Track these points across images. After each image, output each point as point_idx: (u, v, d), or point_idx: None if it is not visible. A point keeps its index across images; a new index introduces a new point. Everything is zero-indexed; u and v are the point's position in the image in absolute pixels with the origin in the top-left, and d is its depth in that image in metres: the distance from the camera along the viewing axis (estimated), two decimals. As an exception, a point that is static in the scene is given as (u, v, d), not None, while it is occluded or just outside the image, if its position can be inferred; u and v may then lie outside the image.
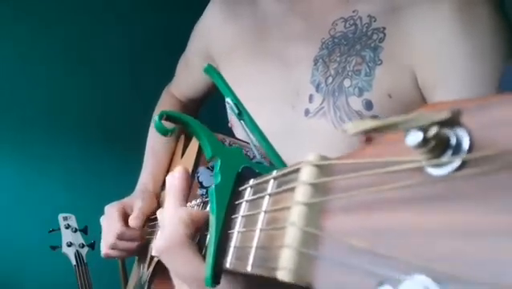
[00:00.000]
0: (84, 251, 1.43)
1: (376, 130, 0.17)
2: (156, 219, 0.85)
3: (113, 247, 0.93)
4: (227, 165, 0.40)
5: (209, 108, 1.17)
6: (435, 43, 0.64)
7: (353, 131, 0.18)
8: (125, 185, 1.07)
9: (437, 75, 0.64)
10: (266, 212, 0.31)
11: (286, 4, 0.82)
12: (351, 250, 0.21)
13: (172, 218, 0.42)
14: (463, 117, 0.17)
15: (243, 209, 0.36)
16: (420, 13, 0.65)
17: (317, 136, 0.71)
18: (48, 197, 2.02)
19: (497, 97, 0.16)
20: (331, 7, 0.75)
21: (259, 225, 0.32)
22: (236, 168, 0.40)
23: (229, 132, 0.82)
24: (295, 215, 0.25)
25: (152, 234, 0.90)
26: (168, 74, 1.16)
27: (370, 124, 0.17)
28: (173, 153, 1.07)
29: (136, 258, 1.06)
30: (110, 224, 0.92)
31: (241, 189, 0.39)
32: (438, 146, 0.17)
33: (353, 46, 0.70)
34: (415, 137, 0.17)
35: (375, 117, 0.67)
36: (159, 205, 0.98)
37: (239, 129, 0.81)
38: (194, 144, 0.85)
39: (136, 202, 0.95)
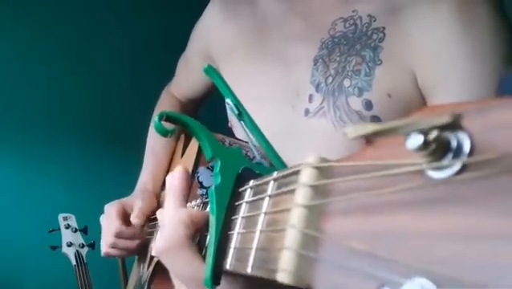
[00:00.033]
0: (84, 251, 1.43)
1: (376, 134, 0.17)
2: (156, 219, 0.84)
3: (113, 246, 0.93)
4: (227, 166, 0.40)
5: (209, 108, 1.17)
6: (435, 43, 0.64)
7: (353, 135, 0.18)
8: (125, 185, 1.07)
9: (437, 75, 0.64)
10: (266, 213, 0.31)
11: (285, 4, 0.82)
12: (350, 252, 0.21)
13: (172, 219, 0.42)
14: (464, 120, 0.17)
15: (243, 210, 0.36)
16: (419, 13, 0.65)
17: (317, 135, 0.71)
18: (48, 197, 2.02)
19: (497, 100, 0.16)
20: (330, 7, 0.75)
21: (259, 226, 0.32)
22: (236, 169, 0.40)
23: (229, 133, 0.82)
24: (295, 217, 0.25)
25: (152, 234, 0.90)
26: (168, 74, 1.16)
27: (370, 128, 0.17)
28: (173, 153, 1.07)
29: (136, 257, 1.06)
30: (109, 223, 0.93)
31: (241, 190, 0.39)
32: (439, 149, 0.17)
33: (353, 46, 0.70)
34: (415, 140, 0.17)
35: (374, 117, 0.67)
36: (159, 204, 0.98)
37: (239, 129, 0.81)
38: (194, 144, 0.85)
39: (136, 202, 0.95)
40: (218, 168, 0.40)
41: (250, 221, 0.34)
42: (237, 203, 0.38)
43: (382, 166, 0.20)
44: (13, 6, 2.07)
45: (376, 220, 0.20)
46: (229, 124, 0.88)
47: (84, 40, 2.23)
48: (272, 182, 0.32)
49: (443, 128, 0.16)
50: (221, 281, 0.37)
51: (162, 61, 1.50)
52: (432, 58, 0.64)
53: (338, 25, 0.73)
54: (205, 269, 0.38)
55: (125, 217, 0.93)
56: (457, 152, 0.17)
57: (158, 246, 0.42)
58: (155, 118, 0.41)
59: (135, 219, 0.92)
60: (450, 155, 0.17)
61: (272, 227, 0.29)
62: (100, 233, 0.96)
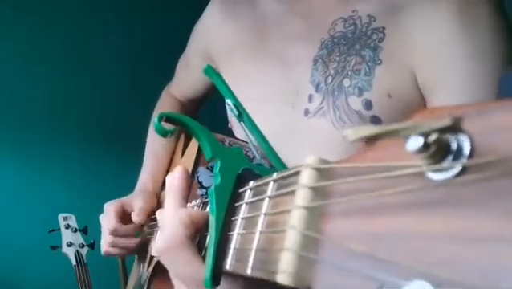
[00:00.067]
0: (84, 251, 1.42)
1: (376, 137, 0.17)
2: (155, 219, 0.85)
3: (112, 245, 0.93)
4: (227, 167, 0.40)
5: (209, 109, 1.17)
6: (435, 43, 0.64)
7: (353, 137, 0.17)
8: (125, 185, 1.07)
9: (437, 75, 0.64)
10: (265, 214, 0.31)
11: (285, 4, 0.82)
12: (350, 254, 0.21)
13: (172, 219, 0.42)
14: (464, 123, 0.17)
15: (243, 211, 0.36)
16: (419, 13, 0.65)
17: (317, 135, 0.71)
18: (48, 197, 2.02)
19: (497, 103, 0.16)
20: (330, 7, 0.75)
21: (259, 227, 0.31)
22: (236, 169, 0.40)
23: (229, 133, 0.82)
24: (295, 218, 0.25)
25: (152, 233, 0.90)
26: (168, 74, 1.16)
27: (370, 130, 0.17)
28: (173, 153, 1.07)
29: (136, 257, 1.06)
30: (107, 221, 0.93)
31: (241, 190, 0.39)
32: (439, 151, 0.17)
33: (352, 46, 0.70)
34: (415, 142, 0.17)
35: (374, 117, 0.67)
36: (159, 204, 0.98)
37: (239, 130, 0.81)
38: (194, 144, 0.85)
39: (136, 201, 0.95)
40: (218, 169, 0.40)
41: (250, 222, 0.34)
42: (236, 204, 0.38)
43: (382, 168, 0.20)
44: (13, 6, 2.07)
45: (376, 222, 0.20)
46: (229, 125, 0.88)
47: (84, 40, 2.23)
48: (272, 183, 0.32)
49: (443, 130, 0.16)
50: (220, 281, 0.37)
51: (162, 61, 1.50)
52: (432, 58, 0.64)
53: (338, 25, 0.73)
54: (204, 269, 0.38)
55: (124, 216, 0.94)
56: (457, 154, 0.17)
57: (158, 246, 0.42)
58: (154, 119, 0.41)
59: (136, 217, 0.92)
60: (450, 157, 0.17)
61: (272, 228, 0.29)
62: (100, 233, 0.96)
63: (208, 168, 0.78)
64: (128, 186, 1.04)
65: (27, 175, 2.04)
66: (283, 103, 0.76)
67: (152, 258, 0.88)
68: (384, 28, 0.68)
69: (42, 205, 1.96)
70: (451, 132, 0.17)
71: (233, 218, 0.38)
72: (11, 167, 2.02)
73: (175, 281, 0.46)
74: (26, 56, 2.08)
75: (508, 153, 0.15)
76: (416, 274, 0.17)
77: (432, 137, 0.16)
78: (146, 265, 0.92)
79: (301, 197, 0.25)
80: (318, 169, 0.25)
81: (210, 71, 0.48)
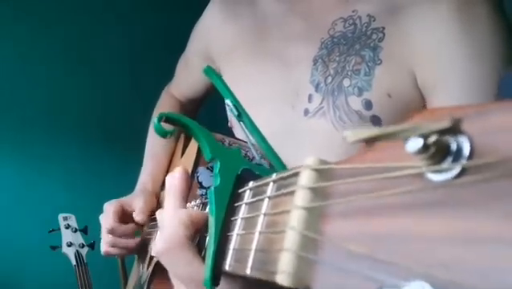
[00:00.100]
0: (84, 251, 1.42)
1: (376, 138, 0.17)
2: (155, 219, 0.85)
3: (112, 245, 0.93)
4: (226, 167, 0.40)
5: (209, 108, 1.17)
6: (434, 43, 0.64)
7: (352, 139, 0.17)
8: (125, 185, 1.07)
9: (437, 75, 0.64)
10: (265, 215, 0.31)
11: (285, 4, 0.82)
12: (350, 254, 0.21)
13: (172, 219, 0.42)
14: (463, 124, 0.17)
15: (242, 211, 0.36)
16: (419, 13, 0.65)
17: (316, 135, 0.71)
18: (48, 197, 2.02)
19: (497, 104, 0.16)
20: (330, 7, 0.75)
21: (258, 228, 0.31)
22: (235, 170, 0.40)
23: (229, 133, 0.82)
24: (295, 219, 0.25)
25: (152, 234, 0.90)
26: (168, 74, 1.16)
27: (369, 132, 0.17)
28: (173, 153, 1.07)
29: (136, 257, 1.06)
30: (105, 221, 0.93)
31: (240, 191, 0.39)
32: (438, 152, 0.17)
33: (352, 46, 0.70)
34: (415, 143, 0.17)
35: (374, 117, 0.67)
36: (158, 205, 0.98)
37: (239, 130, 0.81)
38: (194, 144, 0.85)
39: (136, 201, 0.95)
40: (218, 169, 0.40)
41: (250, 223, 0.34)
42: (236, 204, 0.38)
43: (382, 169, 0.20)
44: (13, 6, 2.07)
45: (376, 222, 0.20)
46: (229, 124, 0.88)
47: (84, 40, 2.23)
48: (271, 184, 0.32)
49: (442, 132, 0.16)
50: (220, 282, 0.37)
51: (162, 61, 1.50)
52: (431, 58, 0.64)
53: (337, 25, 0.73)
54: (204, 269, 0.38)
55: (123, 216, 0.94)
56: (457, 155, 0.17)
57: (158, 247, 0.42)
58: (154, 119, 0.41)
59: (137, 217, 0.92)
60: (450, 158, 0.17)
61: (271, 229, 0.29)
62: (100, 233, 0.96)
63: (208, 168, 0.78)
64: (127, 186, 1.04)
65: (27, 175, 2.04)
66: (283, 103, 0.76)
67: (151, 258, 0.88)
68: (383, 28, 0.68)
69: (42, 205, 1.96)
70: (450, 133, 0.17)
71: (232, 219, 0.38)
72: (11, 167, 2.02)
73: (174, 281, 0.46)
74: (26, 56, 2.08)
75: (507, 154, 0.15)
76: (416, 275, 0.17)
77: (432, 138, 0.16)
78: (146, 265, 0.92)
79: (300, 198, 0.25)
80: (317, 170, 0.25)
81: (210, 71, 0.48)
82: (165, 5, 2.42)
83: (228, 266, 0.36)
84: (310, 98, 0.72)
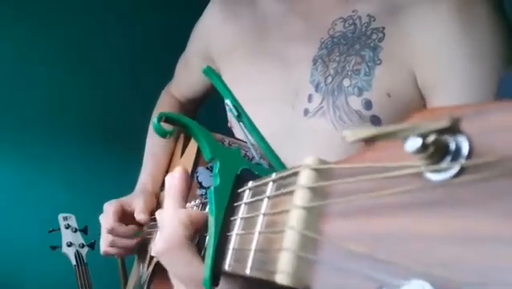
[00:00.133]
0: (84, 251, 1.42)
1: (375, 138, 0.17)
2: (155, 219, 0.85)
3: (111, 244, 0.93)
4: (226, 167, 0.40)
5: (209, 108, 1.17)
6: (434, 43, 0.64)
7: (351, 139, 0.17)
8: (125, 185, 1.07)
9: (437, 75, 0.64)
10: (264, 215, 0.31)
11: (285, 4, 0.82)
12: (349, 254, 0.21)
13: (172, 220, 0.42)
14: (462, 123, 0.17)
15: (242, 211, 0.36)
16: (419, 13, 0.65)
17: (316, 135, 0.71)
18: (48, 197, 2.02)
19: (496, 103, 0.16)
20: (330, 7, 0.75)
21: (258, 227, 0.31)
22: (235, 170, 0.40)
23: (229, 133, 0.82)
24: (294, 219, 0.25)
25: (152, 234, 0.90)
26: (168, 74, 1.16)
27: (368, 132, 0.17)
28: (173, 153, 1.07)
29: (136, 257, 1.06)
30: (105, 221, 0.93)
31: (240, 191, 0.39)
32: (437, 152, 0.17)
33: (352, 46, 0.70)
34: (414, 143, 0.17)
35: (374, 117, 0.67)
36: (158, 205, 0.98)
37: (238, 130, 0.81)
38: (193, 144, 0.85)
39: (136, 201, 0.95)
40: (217, 170, 0.40)
41: (249, 223, 0.34)
42: (236, 204, 0.38)
43: (381, 168, 0.20)
44: (13, 6, 2.07)
45: (375, 222, 0.20)
46: (229, 124, 0.88)
47: (84, 40, 2.23)
48: (271, 183, 0.32)
49: (441, 131, 0.16)
50: (219, 282, 0.37)
51: (162, 61, 1.50)
52: (431, 58, 0.64)
53: (337, 25, 0.73)
54: (203, 269, 0.38)
55: (123, 216, 0.93)
56: (456, 154, 0.17)
57: (157, 247, 0.42)
58: (154, 119, 0.41)
59: (139, 215, 0.92)
60: (449, 158, 0.17)
61: (271, 228, 0.29)
62: (100, 233, 0.96)
63: (207, 168, 0.78)
64: (127, 186, 1.04)
65: (27, 175, 2.04)
66: (283, 103, 0.76)
67: (151, 258, 0.88)
68: (383, 28, 0.68)
69: (42, 205, 1.96)
70: (449, 132, 0.17)
71: (232, 218, 0.38)
72: (11, 167, 2.02)
73: (174, 281, 0.46)
74: (26, 56, 2.08)
75: (506, 154, 0.15)
76: (415, 274, 0.17)
77: (431, 138, 0.16)
78: (146, 265, 0.92)
79: (300, 198, 0.25)
80: (317, 170, 0.25)
81: (209, 71, 0.48)
82: (165, 5, 2.42)
83: (227, 265, 0.36)
84: (310, 98, 0.72)
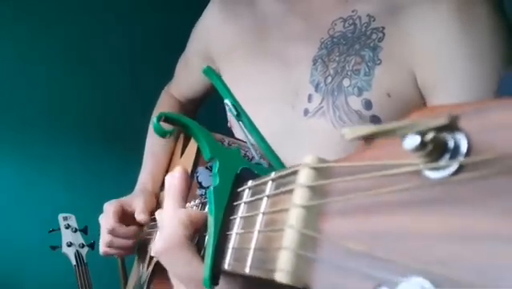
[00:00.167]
0: (84, 251, 1.42)
1: (373, 135, 0.17)
2: (155, 219, 0.85)
3: (109, 245, 0.93)
4: (225, 167, 0.40)
5: (209, 108, 1.17)
6: (434, 43, 0.64)
7: (350, 136, 0.17)
8: (125, 185, 1.07)
9: (437, 75, 0.64)
10: (264, 214, 0.31)
11: (285, 4, 0.82)
12: (348, 252, 0.21)
13: (171, 219, 0.42)
14: (461, 121, 0.17)
15: (241, 210, 0.36)
16: (419, 13, 0.65)
17: (316, 135, 0.71)
18: (48, 197, 2.02)
19: (496, 101, 0.16)
20: (330, 7, 0.75)
21: (257, 226, 0.31)
22: (234, 169, 0.40)
23: (229, 133, 0.82)
24: (293, 217, 0.25)
25: (152, 234, 0.90)
26: (168, 74, 1.16)
27: (367, 129, 0.17)
28: (172, 153, 1.07)
29: (136, 257, 1.06)
30: (105, 221, 0.93)
31: (239, 190, 0.39)
32: (436, 150, 0.17)
33: (352, 46, 0.70)
34: (412, 141, 0.17)
35: (374, 117, 0.67)
36: (158, 205, 0.98)
37: (238, 129, 0.81)
38: (193, 144, 0.85)
39: (136, 201, 0.95)
40: (217, 169, 0.40)
41: (249, 222, 0.34)
42: (235, 203, 0.38)
43: (379, 166, 0.20)
44: (13, 6, 2.07)
45: (374, 220, 0.20)
46: (229, 124, 0.88)
47: (84, 40, 2.23)
48: (270, 182, 0.32)
49: (440, 129, 0.16)
50: (219, 281, 0.37)
51: (162, 61, 1.50)
52: (431, 58, 0.64)
53: (337, 25, 0.73)
54: (203, 269, 0.38)
55: (123, 216, 0.93)
56: (454, 152, 0.17)
57: (157, 247, 0.42)
58: (154, 119, 0.41)
59: (140, 216, 0.92)
60: (447, 155, 0.17)
61: (270, 227, 0.29)
62: (100, 233, 0.96)
63: (207, 168, 0.78)
64: (128, 186, 1.04)
65: (27, 175, 2.04)
66: (283, 103, 0.76)
67: (151, 258, 0.88)
68: (383, 28, 0.68)
69: (42, 205, 1.96)
70: (448, 130, 0.17)
71: (231, 218, 0.38)
72: (11, 167, 2.02)
73: (174, 281, 0.46)
74: (26, 56, 2.08)
75: (505, 151, 0.15)
76: (414, 271, 0.17)
77: (429, 136, 0.16)
78: (146, 265, 0.92)
79: (299, 196, 0.25)
80: (316, 168, 0.25)
81: (209, 71, 0.48)
82: (165, 5, 2.42)
83: (227, 265, 0.36)
84: (309, 98, 0.72)
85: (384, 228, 0.19)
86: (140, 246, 0.98)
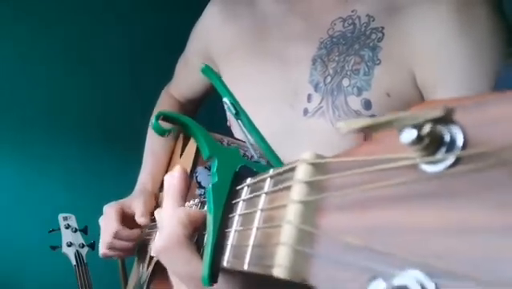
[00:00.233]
0: (84, 251, 1.43)
1: (369, 128, 0.17)
2: (155, 220, 0.85)
3: (110, 247, 0.93)
4: (224, 165, 0.40)
5: (208, 108, 1.17)
6: (434, 43, 0.64)
7: (346, 129, 0.18)
8: (125, 185, 1.07)
9: (436, 75, 0.65)
10: (262, 210, 0.31)
11: (285, 4, 0.82)
12: (346, 247, 0.21)
13: (171, 219, 0.42)
14: (458, 114, 0.17)
15: (240, 207, 0.36)
16: (419, 13, 0.65)
17: (316, 135, 0.71)
18: (48, 197, 2.03)
19: (494, 95, 0.16)
20: (330, 7, 0.75)
21: (256, 223, 0.32)
22: (233, 167, 0.40)
23: (228, 132, 0.82)
24: (291, 213, 0.25)
25: (151, 234, 0.90)
26: (168, 74, 1.16)
27: (362, 122, 0.17)
28: (172, 153, 1.07)
29: (136, 258, 1.07)
30: (107, 224, 0.93)
31: (238, 188, 0.39)
32: (432, 143, 0.17)
33: (352, 46, 0.70)
34: (409, 134, 0.17)
35: (373, 116, 0.67)
36: (157, 205, 0.98)
37: (237, 128, 0.81)
38: (193, 144, 0.85)
39: (136, 203, 0.95)
40: (215, 168, 0.40)
41: (247, 219, 0.34)
42: (234, 201, 0.38)
43: (376, 161, 0.20)
44: (13, 6, 2.07)
45: (371, 215, 0.20)
46: (228, 124, 0.88)
47: (84, 40, 2.23)
48: (268, 179, 0.32)
49: (436, 121, 0.16)
50: (218, 279, 0.37)
51: (162, 61, 1.50)
52: (431, 58, 0.64)
53: (337, 25, 0.74)
54: (202, 267, 0.38)
55: (124, 218, 0.93)
56: (451, 146, 0.17)
57: (157, 246, 0.42)
58: (153, 119, 0.41)
59: (140, 218, 0.92)
60: (443, 149, 0.17)
61: (268, 224, 0.30)
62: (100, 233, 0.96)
63: (206, 167, 0.78)
64: (127, 186, 1.04)
65: (27, 175, 2.04)
66: (283, 103, 0.76)
67: (151, 258, 0.88)
68: (383, 28, 0.68)
69: (42, 205, 1.96)
70: (444, 123, 0.17)
71: (230, 215, 0.38)
72: (11, 167, 2.02)
73: (174, 280, 0.46)
74: (26, 56, 2.08)
75: (500, 145, 0.15)
76: (411, 265, 0.17)
77: (426, 129, 0.16)
78: (146, 265, 0.92)
79: (297, 192, 0.26)
80: (313, 164, 0.26)
81: (208, 70, 0.48)
82: (165, 5, 2.42)
83: (226, 262, 0.36)
84: (309, 98, 0.72)
85: (381, 222, 0.19)
86: (140, 247, 0.98)
